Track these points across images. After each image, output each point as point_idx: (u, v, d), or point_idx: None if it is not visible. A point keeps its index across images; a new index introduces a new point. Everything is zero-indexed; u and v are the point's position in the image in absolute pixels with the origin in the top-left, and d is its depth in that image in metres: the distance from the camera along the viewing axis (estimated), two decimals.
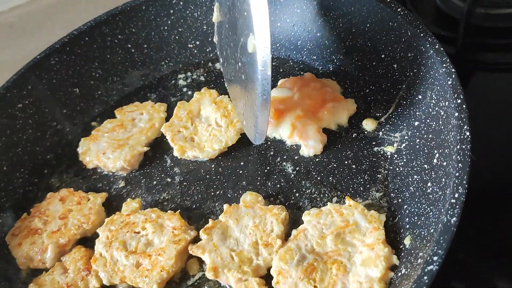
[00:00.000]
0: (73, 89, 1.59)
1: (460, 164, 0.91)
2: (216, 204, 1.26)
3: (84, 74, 1.60)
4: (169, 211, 1.23)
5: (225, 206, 1.19)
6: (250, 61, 1.00)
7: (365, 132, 1.30)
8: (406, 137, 1.21)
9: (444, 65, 1.09)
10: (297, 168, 1.28)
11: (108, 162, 1.39)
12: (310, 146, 1.29)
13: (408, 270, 0.93)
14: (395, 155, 1.21)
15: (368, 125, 1.30)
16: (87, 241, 1.26)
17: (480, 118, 1.21)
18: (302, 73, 1.49)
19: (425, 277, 0.79)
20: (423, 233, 0.97)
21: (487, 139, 1.27)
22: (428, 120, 1.14)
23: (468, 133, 0.95)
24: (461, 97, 1.01)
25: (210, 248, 1.12)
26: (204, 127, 1.40)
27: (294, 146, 1.33)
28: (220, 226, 1.15)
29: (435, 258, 0.80)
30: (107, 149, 1.41)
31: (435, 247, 0.82)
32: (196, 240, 1.16)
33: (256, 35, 0.93)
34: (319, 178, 1.24)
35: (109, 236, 1.20)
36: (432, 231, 0.93)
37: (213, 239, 1.13)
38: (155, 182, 1.36)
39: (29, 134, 1.50)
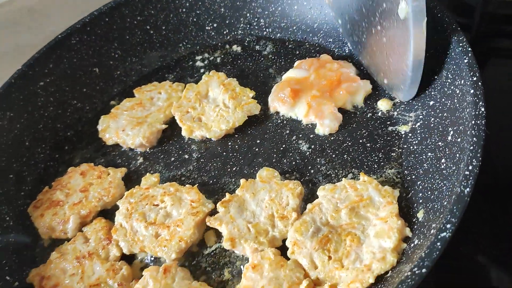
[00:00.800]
0: (93, 68, 1.63)
1: (474, 138, 0.93)
2: (233, 179, 1.29)
3: (104, 54, 1.64)
4: (187, 185, 1.26)
5: (242, 181, 1.22)
6: (400, 26, 1.07)
7: (380, 112, 1.32)
8: (421, 117, 1.22)
9: (461, 44, 1.11)
10: (312, 146, 1.30)
11: (127, 138, 1.43)
12: (325, 125, 1.31)
13: (421, 240, 0.96)
14: (410, 134, 1.23)
15: (383, 105, 1.32)
16: (107, 213, 1.30)
17: (494, 104, 1.22)
18: (318, 55, 1.51)
19: (438, 243, 0.81)
20: (436, 206, 1.00)
21: (500, 125, 1.28)
22: (443, 99, 1.15)
23: (483, 109, 0.97)
24: (477, 74, 1.03)
25: (227, 220, 1.15)
26: (212, 108, 1.42)
27: (309, 125, 1.35)
28: (237, 200, 1.18)
29: (448, 225, 0.83)
30: (126, 126, 1.45)
31: (449, 216, 0.84)
32: (213, 213, 1.19)
33: (410, 2, 1.00)
34: (333, 155, 1.27)
35: (129, 208, 1.24)
36: (445, 203, 0.95)
37: (230, 212, 1.16)
38: (173, 159, 1.39)
39: (50, 111, 1.54)
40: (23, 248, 1.28)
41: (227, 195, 1.20)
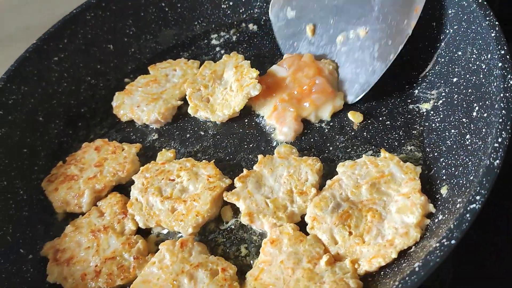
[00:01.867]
0: (107, 45, 1.61)
1: (503, 111, 0.90)
2: (250, 156, 1.27)
3: (119, 31, 1.62)
4: (203, 161, 1.25)
5: (260, 156, 1.20)
6: None
7: (400, 90, 1.29)
8: (443, 94, 1.20)
9: (487, 18, 1.08)
10: (331, 124, 1.28)
11: (142, 114, 1.41)
12: (282, 132, 1.28)
13: (446, 215, 0.94)
14: (431, 112, 1.21)
15: (354, 118, 1.28)
16: (122, 189, 1.29)
17: None
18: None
19: (468, 215, 0.79)
20: (461, 181, 0.97)
21: None
22: (467, 76, 1.13)
23: (511, 82, 0.94)
24: (505, 48, 1.00)
25: (244, 195, 1.13)
26: (221, 90, 1.40)
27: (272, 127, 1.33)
28: (255, 175, 1.17)
29: (477, 197, 0.81)
30: (141, 102, 1.43)
31: (478, 188, 0.82)
32: (230, 189, 1.17)
33: None
34: (353, 133, 1.24)
35: (145, 183, 1.23)
36: (471, 178, 0.93)
37: (248, 187, 1.14)
38: (188, 135, 1.37)
39: (64, 87, 1.53)
40: (37, 222, 1.28)
41: (245, 170, 1.18)
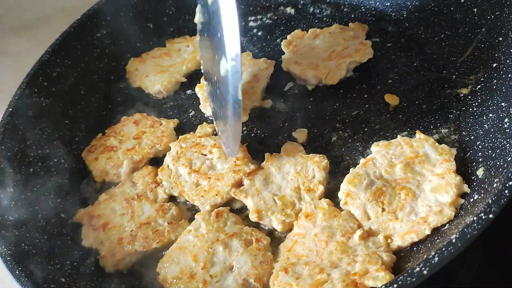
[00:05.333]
0: (147, 24, 1.65)
1: None
2: (285, 135, 1.29)
3: (159, 10, 1.66)
4: None
5: (266, 155, 1.21)
6: (224, 82, 0.96)
7: (438, 75, 1.29)
8: (482, 79, 1.19)
9: None
10: (366, 105, 1.29)
11: (149, 84, 1.50)
12: None
13: (482, 195, 0.94)
14: (469, 96, 1.20)
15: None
16: (157, 163, 1.32)
17: None
18: (374, 19, 1.50)
19: (506, 191, 0.80)
20: (498, 163, 0.97)
21: None
22: (508, 61, 1.12)
23: None
24: None
25: (252, 192, 1.14)
26: None
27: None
28: (262, 173, 1.18)
29: None
30: (150, 72, 1.52)
31: None
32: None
33: (228, 61, 0.90)
34: (388, 115, 1.25)
35: (179, 152, 1.27)
36: (510, 159, 0.93)
37: (256, 184, 1.16)
38: None
39: (105, 63, 1.58)
40: (76, 189, 1.32)
41: (253, 166, 1.19)
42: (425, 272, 0.75)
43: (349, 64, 1.34)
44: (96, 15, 1.55)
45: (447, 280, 1.04)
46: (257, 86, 1.38)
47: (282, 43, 1.49)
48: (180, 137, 1.31)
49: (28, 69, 1.41)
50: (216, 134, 1.32)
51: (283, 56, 1.45)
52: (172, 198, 1.23)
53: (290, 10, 1.66)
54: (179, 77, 1.49)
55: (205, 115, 1.41)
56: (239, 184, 1.19)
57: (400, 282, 0.76)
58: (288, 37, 1.51)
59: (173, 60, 1.56)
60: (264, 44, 1.57)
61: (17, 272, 0.99)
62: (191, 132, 1.32)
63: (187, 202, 1.21)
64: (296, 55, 1.43)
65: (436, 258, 0.76)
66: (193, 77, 1.51)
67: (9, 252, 1.03)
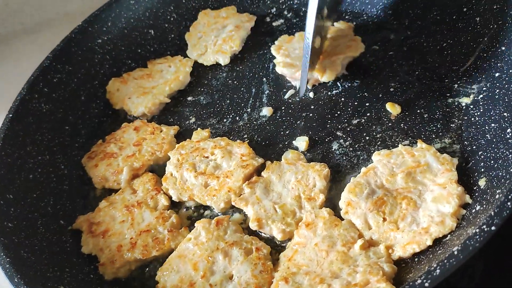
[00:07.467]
0: (148, 30, 1.65)
1: None
2: (286, 143, 1.29)
3: (160, 17, 1.67)
4: (237, 141, 1.28)
5: (267, 163, 1.21)
6: None
7: (439, 84, 1.29)
8: (484, 89, 1.19)
9: None
10: (368, 114, 1.29)
11: (131, 106, 1.47)
12: None
13: (484, 206, 0.93)
14: (471, 106, 1.20)
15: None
16: (157, 171, 1.32)
17: None
18: (375, 27, 1.50)
19: (509, 203, 0.79)
20: (500, 174, 0.97)
21: None
22: (510, 70, 1.12)
23: None
24: None
25: (253, 200, 1.14)
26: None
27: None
28: (263, 181, 1.18)
29: None
30: (133, 94, 1.49)
31: None
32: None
33: None
34: (390, 124, 1.25)
35: (179, 159, 1.27)
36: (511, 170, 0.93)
37: (256, 193, 1.15)
38: (225, 120, 1.40)
39: (106, 69, 1.57)
40: (76, 196, 1.32)
41: (254, 177, 1.19)
42: (426, 284, 0.75)
43: (343, 60, 1.37)
44: (97, 21, 1.55)
45: None
46: (238, 33, 1.57)
47: (271, 48, 1.50)
48: (177, 145, 1.31)
49: (29, 75, 1.41)
50: (214, 137, 1.33)
51: (275, 60, 1.47)
52: (172, 206, 1.22)
53: (291, 16, 1.66)
54: (162, 98, 1.47)
55: (205, 122, 1.40)
56: (249, 178, 1.19)
57: None
58: (276, 42, 1.52)
59: (156, 81, 1.53)
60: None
61: (16, 280, 0.98)
62: (187, 139, 1.32)
63: (190, 209, 1.21)
64: (289, 57, 1.44)
65: (438, 270, 0.75)
66: (193, 84, 1.52)
67: (8, 259, 1.02)
